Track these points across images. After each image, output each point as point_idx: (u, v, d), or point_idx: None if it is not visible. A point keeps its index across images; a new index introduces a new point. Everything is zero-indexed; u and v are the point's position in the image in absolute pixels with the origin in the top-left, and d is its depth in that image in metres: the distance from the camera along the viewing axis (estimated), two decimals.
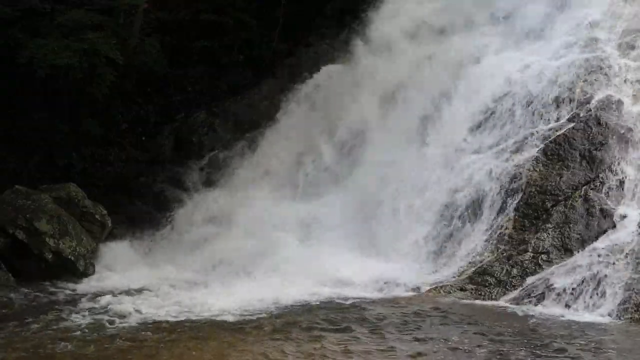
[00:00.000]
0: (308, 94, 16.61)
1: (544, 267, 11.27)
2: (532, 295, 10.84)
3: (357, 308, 10.52)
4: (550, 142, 12.69)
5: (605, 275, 10.61)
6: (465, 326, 9.62)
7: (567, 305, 10.48)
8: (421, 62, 15.40)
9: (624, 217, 11.46)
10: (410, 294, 11.44)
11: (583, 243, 11.37)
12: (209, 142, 16.83)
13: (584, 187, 12.00)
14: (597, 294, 10.45)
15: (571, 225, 11.62)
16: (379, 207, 13.52)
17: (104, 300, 11.12)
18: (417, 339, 9.04)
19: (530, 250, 11.57)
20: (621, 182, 11.90)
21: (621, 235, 11.19)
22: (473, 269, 11.70)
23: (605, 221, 11.51)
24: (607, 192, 11.85)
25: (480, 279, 11.44)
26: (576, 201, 11.86)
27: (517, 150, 12.94)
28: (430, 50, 15.59)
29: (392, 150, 14.30)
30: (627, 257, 10.80)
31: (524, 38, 14.80)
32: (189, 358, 8.51)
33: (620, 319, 10.06)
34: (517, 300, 10.86)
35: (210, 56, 18.63)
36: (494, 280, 11.37)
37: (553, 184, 12.19)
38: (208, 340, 9.04)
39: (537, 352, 8.55)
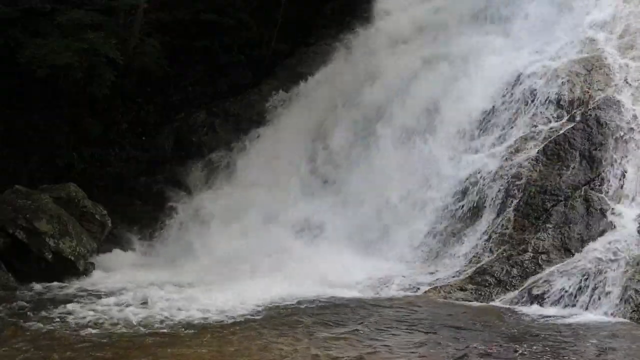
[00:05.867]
0: (308, 94, 16.62)
1: (544, 267, 11.26)
2: (532, 295, 10.82)
3: (355, 308, 10.51)
4: (550, 142, 12.69)
5: (605, 275, 10.61)
6: (465, 326, 9.62)
7: (567, 305, 10.47)
8: (423, 61, 15.40)
9: (623, 217, 11.45)
10: (410, 294, 11.44)
11: (583, 243, 11.37)
12: (209, 142, 16.85)
13: (584, 187, 12.00)
14: (596, 294, 10.45)
15: (571, 225, 11.61)
16: (379, 207, 13.52)
17: (104, 300, 11.11)
18: (416, 340, 9.04)
19: (530, 250, 11.56)
20: (621, 182, 11.90)
21: (621, 235, 11.19)
22: (473, 269, 11.69)
23: (605, 221, 11.50)
24: (607, 192, 11.85)
25: (480, 279, 11.43)
26: (576, 201, 11.85)
27: (517, 150, 12.95)
28: (431, 49, 15.60)
29: (392, 151, 14.30)
30: (626, 257, 10.79)
31: (524, 38, 14.80)
32: (188, 358, 8.50)
33: (620, 319, 10.05)
34: (517, 301, 10.84)
35: (210, 56, 18.65)
36: (494, 280, 11.36)
37: (553, 184, 12.18)
38: (207, 340, 9.04)
39: (538, 352, 8.55)
